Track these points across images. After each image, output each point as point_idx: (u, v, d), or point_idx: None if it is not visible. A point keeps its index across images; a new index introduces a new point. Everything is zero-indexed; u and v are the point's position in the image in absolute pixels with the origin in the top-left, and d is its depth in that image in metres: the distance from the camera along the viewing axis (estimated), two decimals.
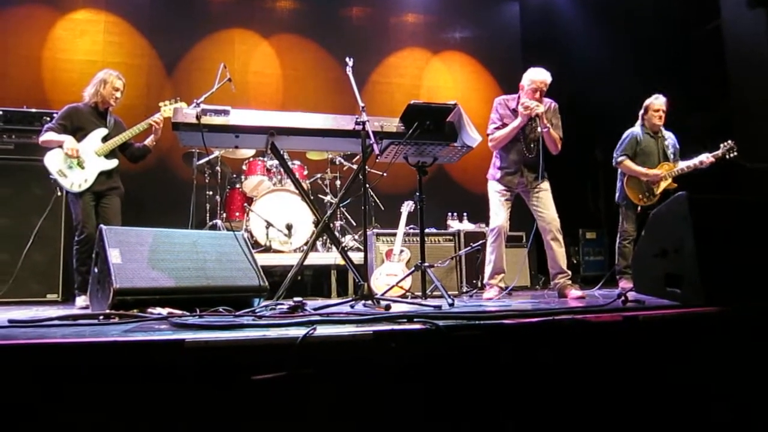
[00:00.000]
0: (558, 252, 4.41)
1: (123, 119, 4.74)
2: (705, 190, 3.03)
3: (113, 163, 4.51)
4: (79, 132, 4.46)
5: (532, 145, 4.48)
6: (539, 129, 4.39)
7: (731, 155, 5.02)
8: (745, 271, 2.70)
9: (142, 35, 7.17)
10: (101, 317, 2.64)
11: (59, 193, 4.63)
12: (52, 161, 4.34)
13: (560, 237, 4.44)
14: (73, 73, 6.67)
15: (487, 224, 4.78)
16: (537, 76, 4.45)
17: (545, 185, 4.51)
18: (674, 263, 2.89)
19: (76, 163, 4.36)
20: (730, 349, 2.42)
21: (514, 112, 4.53)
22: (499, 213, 4.53)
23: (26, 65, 6.64)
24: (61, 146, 4.34)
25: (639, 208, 5.13)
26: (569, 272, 4.47)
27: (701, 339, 2.43)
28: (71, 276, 4.47)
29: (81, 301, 4.23)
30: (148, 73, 7.12)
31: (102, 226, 3.17)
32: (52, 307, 4.49)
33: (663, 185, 5.08)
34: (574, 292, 4.28)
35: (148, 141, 4.68)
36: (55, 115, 4.66)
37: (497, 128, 4.55)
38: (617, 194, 5.33)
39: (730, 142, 5.02)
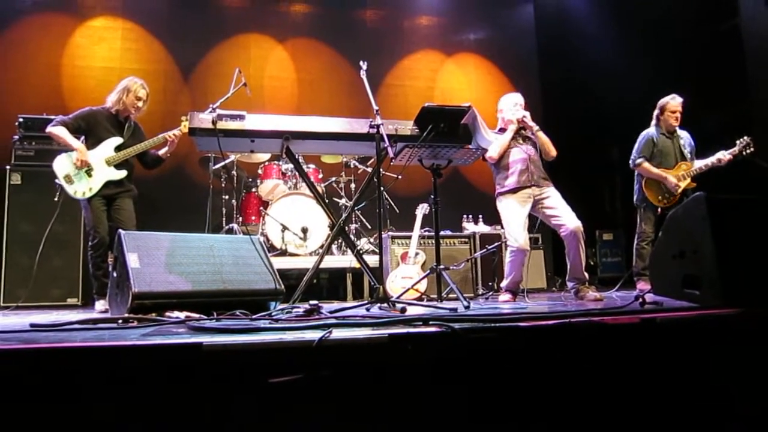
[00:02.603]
0: (581, 259, 4.33)
1: (141, 124, 4.74)
2: (724, 189, 3.00)
3: (121, 173, 4.46)
4: (91, 137, 4.44)
5: (529, 148, 4.55)
6: (534, 129, 4.51)
7: (748, 151, 4.98)
8: (765, 273, 2.67)
9: (158, 41, 7.25)
10: (120, 321, 2.68)
11: (57, 198, 4.63)
12: (61, 166, 4.33)
13: (583, 243, 4.38)
14: (91, 79, 6.77)
15: (503, 226, 4.75)
16: (514, 96, 4.77)
17: (552, 190, 4.48)
18: (692, 264, 2.86)
19: (84, 171, 4.34)
20: (749, 351, 2.39)
21: (501, 131, 4.66)
22: (518, 234, 4.40)
23: (45, 72, 6.75)
24: (71, 150, 4.32)
25: (659, 210, 5.08)
26: (587, 276, 4.44)
27: (720, 341, 2.41)
28: (91, 280, 4.52)
29: (100, 305, 4.28)
30: (165, 79, 7.19)
31: (120, 231, 3.19)
32: (73, 312, 4.55)
33: (682, 185, 5.04)
34: (592, 294, 4.25)
35: (162, 152, 4.66)
36: None
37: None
38: (635, 196, 5.29)
39: (746, 138, 4.99)
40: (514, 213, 4.46)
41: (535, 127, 4.54)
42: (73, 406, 1.73)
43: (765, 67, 5.92)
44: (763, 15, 5.91)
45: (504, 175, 4.54)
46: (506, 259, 4.57)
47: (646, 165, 5.11)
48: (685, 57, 6.81)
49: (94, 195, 4.36)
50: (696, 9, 6.68)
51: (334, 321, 2.43)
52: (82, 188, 4.34)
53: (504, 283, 4.59)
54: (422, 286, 4.77)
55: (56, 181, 4.35)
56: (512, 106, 4.68)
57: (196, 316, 2.78)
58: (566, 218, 4.34)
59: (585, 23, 8.20)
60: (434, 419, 2.01)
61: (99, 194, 4.39)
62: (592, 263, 7.47)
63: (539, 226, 4.70)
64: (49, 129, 4.36)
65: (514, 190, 4.48)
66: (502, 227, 4.80)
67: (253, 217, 6.13)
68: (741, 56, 6.16)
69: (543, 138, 4.54)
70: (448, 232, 5.90)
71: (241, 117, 3.64)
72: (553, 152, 4.55)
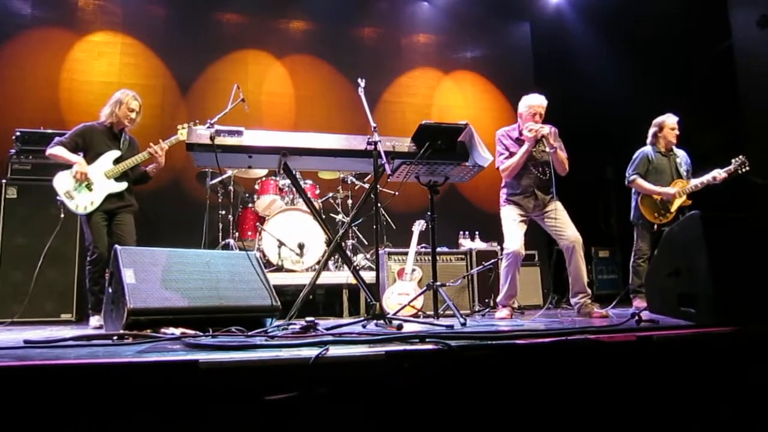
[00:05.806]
0: (581, 271, 4.38)
1: (138, 139, 4.76)
2: (719, 208, 3.02)
3: (122, 185, 4.47)
4: (89, 152, 4.45)
5: (541, 168, 4.51)
6: (547, 149, 4.39)
7: (743, 170, 5.01)
8: (760, 291, 2.68)
9: (157, 56, 7.27)
10: (115, 338, 2.66)
11: (62, 215, 4.61)
12: (61, 182, 4.34)
13: (582, 255, 4.40)
14: (89, 94, 6.77)
15: (499, 243, 4.76)
16: (534, 101, 4.56)
17: (558, 205, 4.49)
18: (688, 282, 2.87)
19: (84, 185, 4.35)
20: (744, 370, 2.39)
21: (518, 141, 4.59)
22: (514, 237, 4.47)
23: (44, 86, 6.75)
24: (70, 166, 4.34)
25: (655, 227, 5.10)
26: (590, 291, 4.45)
27: (716, 359, 2.41)
28: (86, 296, 4.49)
29: (95, 321, 4.25)
30: (163, 94, 7.21)
31: (117, 246, 3.19)
32: (67, 327, 4.52)
33: (678, 202, 5.07)
34: (598, 311, 4.27)
35: (150, 168, 4.67)
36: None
37: (506, 158, 4.56)
38: (632, 213, 5.31)
39: (741, 157, 5.03)
40: (513, 220, 4.54)
41: (554, 148, 4.38)
42: (67, 424, 1.71)
43: (757, 87, 5.99)
44: (755, 36, 5.99)
45: (511, 192, 4.60)
46: (502, 265, 4.59)
47: (640, 181, 5.15)
48: (680, 76, 6.88)
49: (95, 209, 4.37)
50: (691, 29, 6.76)
51: (330, 338, 2.42)
52: (83, 202, 4.35)
53: (499, 297, 4.60)
54: (419, 302, 4.76)
55: (57, 197, 4.36)
56: (530, 116, 4.49)
57: (192, 332, 2.77)
58: (566, 231, 4.39)
59: (581, 42, 8.26)
60: None
61: (100, 209, 4.39)
62: (588, 280, 7.45)
63: (535, 243, 4.71)
64: (48, 151, 4.39)
65: (517, 202, 4.56)
66: (499, 244, 4.81)
67: (250, 233, 6.12)
68: (734, 76, 6.24)
69: (561, 156, 4.47)
70: (445, 249, 5.91)
71: (239, 133, 3.65)
72: (565, 171, 4.52)
